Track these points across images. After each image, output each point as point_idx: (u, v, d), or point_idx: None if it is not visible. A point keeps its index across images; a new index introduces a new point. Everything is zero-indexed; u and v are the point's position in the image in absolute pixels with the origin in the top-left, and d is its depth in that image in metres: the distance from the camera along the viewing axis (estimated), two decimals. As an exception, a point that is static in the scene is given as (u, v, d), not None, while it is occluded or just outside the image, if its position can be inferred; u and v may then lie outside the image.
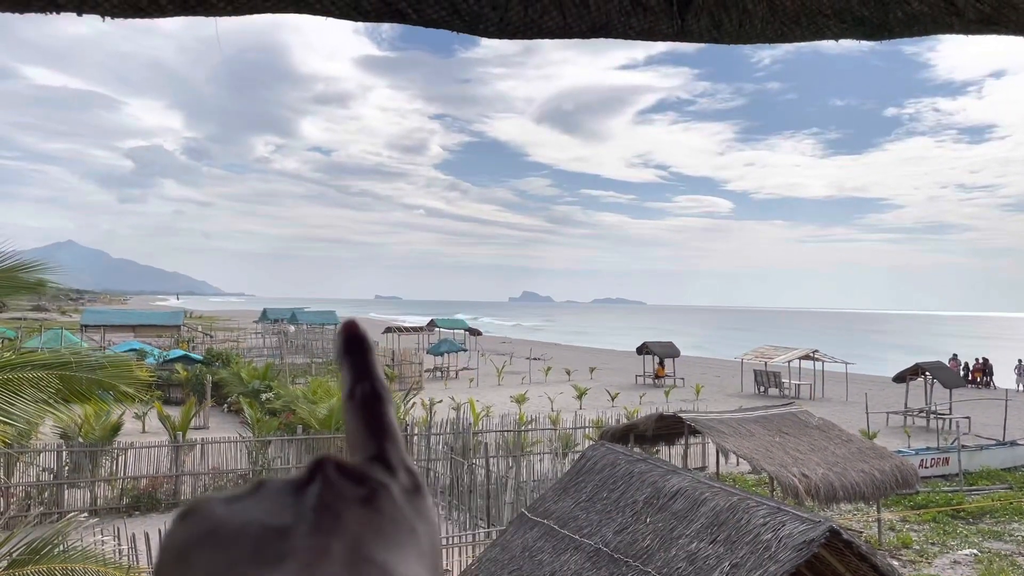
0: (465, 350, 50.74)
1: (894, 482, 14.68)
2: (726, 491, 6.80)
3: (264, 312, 74.93)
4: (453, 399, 31.16)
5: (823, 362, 40.74)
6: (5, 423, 6.02)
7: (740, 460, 15.26)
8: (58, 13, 1.01)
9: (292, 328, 61.87)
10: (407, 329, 60.20)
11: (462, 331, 60.55)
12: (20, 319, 55.39)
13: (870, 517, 16.97)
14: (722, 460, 17.82)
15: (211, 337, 58.79)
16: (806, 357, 40.79)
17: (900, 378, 30.46)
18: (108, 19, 1.04)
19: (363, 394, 0.46)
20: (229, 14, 1.05)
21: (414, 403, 25.66)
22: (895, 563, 14.34)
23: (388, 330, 56.69)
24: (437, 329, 60.39)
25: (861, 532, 16.15)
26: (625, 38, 1.24)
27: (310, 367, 41.51)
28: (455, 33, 1.23)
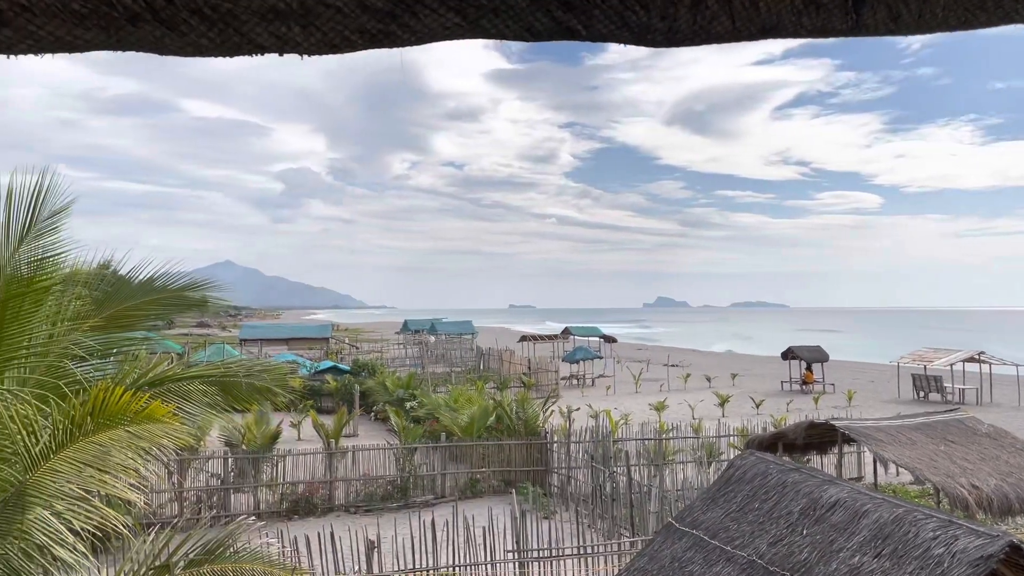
0: (600, 357, 50.47)
1: (1081, 495, 13.38)
2: (889, 502, 6.42)
3: (405, 323, 77.47)
4: (591, 407, 31.05)
5: (990, 364, 37.79)
6: (184, 424, 6.51)
7: (900, 470, 14.37)
8: None
9: (432, 338, 63.64)
10: (542, 337, 60.58)
11: (597, 338, 60.30)
12: (186, 335, 59.93)
13: (1053, 533, 15.54)
14: (880, 470, 16.84)
15: (357, 348, 61.41)
16: (971, 360, 38.03)
17: (1082, 381, 27.78)
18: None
19: None
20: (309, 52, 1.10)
21: (552, 411, 25.76)
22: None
23: (524, 339, 57.30)
24: (572, 337, 60.43)
25: (1043, 549, 14.81)
26: (796, 37, 1.21)
27: (450, 376, 42.55)
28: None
